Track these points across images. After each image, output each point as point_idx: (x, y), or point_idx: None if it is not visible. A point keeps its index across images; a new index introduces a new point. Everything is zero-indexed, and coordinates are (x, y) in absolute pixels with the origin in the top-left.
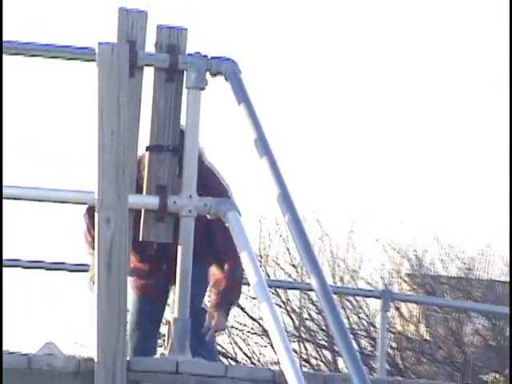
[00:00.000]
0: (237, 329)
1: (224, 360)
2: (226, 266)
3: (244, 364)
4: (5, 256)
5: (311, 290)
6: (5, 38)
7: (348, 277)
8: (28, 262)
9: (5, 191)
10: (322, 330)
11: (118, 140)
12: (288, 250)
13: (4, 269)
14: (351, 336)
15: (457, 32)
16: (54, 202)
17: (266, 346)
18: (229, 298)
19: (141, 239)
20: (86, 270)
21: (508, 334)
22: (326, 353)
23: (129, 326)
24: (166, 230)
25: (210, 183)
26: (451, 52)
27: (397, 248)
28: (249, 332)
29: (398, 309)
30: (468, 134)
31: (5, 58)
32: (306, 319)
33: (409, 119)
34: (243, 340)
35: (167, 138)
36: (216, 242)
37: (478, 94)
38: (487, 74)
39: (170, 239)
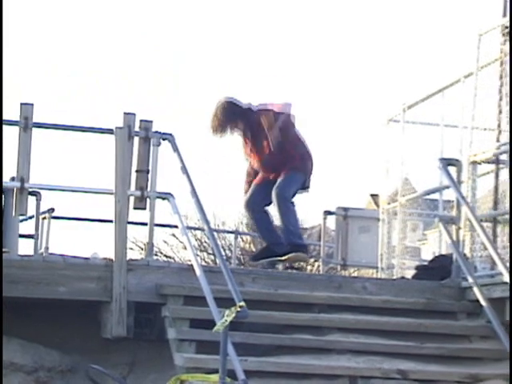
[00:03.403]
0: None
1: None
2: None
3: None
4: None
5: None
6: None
7: (220, 223)
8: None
9: (58, 187)
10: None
11: (123, 168)
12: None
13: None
14: (221, 249)
15: None
16: (93, 193)
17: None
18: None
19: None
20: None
21: None
22: (212, 257)
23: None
24: (144, 202)
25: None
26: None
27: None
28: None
29: (242, 238)
30: None
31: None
32: (204, 242)
33: None
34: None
35: (144, 165)
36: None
37: None
38: None
39: (145, 208)
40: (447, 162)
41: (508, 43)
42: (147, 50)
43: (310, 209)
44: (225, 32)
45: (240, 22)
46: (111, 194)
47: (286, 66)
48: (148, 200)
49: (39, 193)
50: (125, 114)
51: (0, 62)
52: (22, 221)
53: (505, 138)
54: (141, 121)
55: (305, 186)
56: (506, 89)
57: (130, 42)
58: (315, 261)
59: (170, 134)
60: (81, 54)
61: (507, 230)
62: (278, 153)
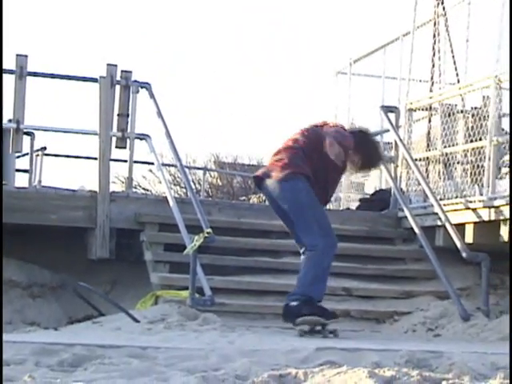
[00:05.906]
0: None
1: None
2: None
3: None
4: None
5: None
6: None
7: (191, 160)
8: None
9: (50, 128)
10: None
11: (106, 112)
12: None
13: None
14: (192, 183)
15: None
16: (80, 134)
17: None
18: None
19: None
20: None
21: None
22: (183, 190)
23: None
24: (124, 142)
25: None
26: None
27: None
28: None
29: (210, 174)
30: None
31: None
32: (177, 177)
33: None
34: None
35: (125, 110)
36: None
37: None
38: None
39: (126, 147)
40: (387, 109)
41: (441, 6)
42: (147, 50)
43: (271, 149)
44: (225, 32)
45: (240, 22)
46: (96, 134)
47: (284, 62)
48: (128, 140)
49: (33, 133)
50: (108, 65)
51: (0, 58)
52: (18, 157)
53: (436, 88)
54: (122, 71)
55: None
56: (439, 46)
57: (130, 42)
58: None
59: (147, 83)
60: (81, 54)
61: (438, 167)
62: None
